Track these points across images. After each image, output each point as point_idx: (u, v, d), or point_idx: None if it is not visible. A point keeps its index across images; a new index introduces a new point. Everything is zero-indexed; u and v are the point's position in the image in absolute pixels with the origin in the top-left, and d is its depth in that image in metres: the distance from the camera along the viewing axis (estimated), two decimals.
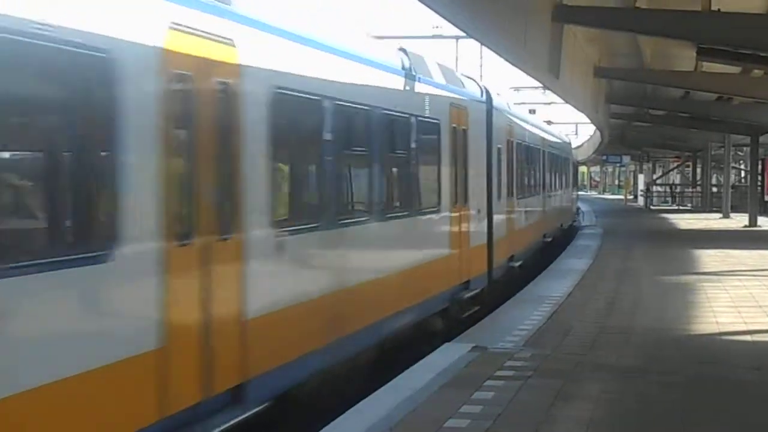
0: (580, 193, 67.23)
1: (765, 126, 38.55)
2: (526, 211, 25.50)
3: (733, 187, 58.24)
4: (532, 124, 29.30)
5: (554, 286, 20.31)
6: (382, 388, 10.73)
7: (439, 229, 16.23)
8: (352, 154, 12.25)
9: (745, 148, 58.24)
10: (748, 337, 14.47)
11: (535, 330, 14.83)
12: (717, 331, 14.96)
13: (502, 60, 18.46)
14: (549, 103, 61.83)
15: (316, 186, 11.12)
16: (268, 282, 9.42)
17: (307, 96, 10.57)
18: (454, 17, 13.95)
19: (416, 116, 14.73)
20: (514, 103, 27.00)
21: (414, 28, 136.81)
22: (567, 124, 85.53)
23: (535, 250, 27.67)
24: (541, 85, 33.33)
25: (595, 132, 61.24)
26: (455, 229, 17.00)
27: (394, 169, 14.17)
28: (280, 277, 9.82)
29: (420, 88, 15.14)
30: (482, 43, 21.12)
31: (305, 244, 10.48)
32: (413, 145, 14.66)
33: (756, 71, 27.25)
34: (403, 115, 14.20)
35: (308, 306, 10.38)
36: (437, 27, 42.21)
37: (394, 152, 13.99)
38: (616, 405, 10.26)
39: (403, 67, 14.49)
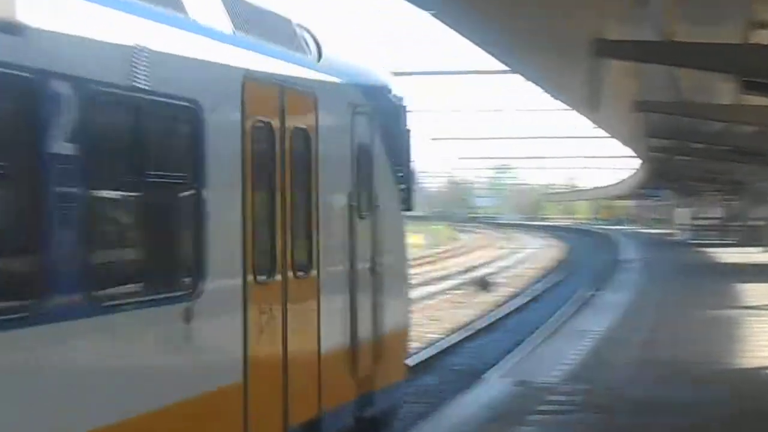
0: (620, 227, 66.22)
1: None
2: None
3: None
4: None
5: (596, 320, 20.22)
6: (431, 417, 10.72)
7: None
8: None
9: None
10: None
11: (577, 364, 14.77)
12: (762, 365, 14.83)
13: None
14: (591, 137, 61.94)
15: None
16: None
17: None
18: (501, 55, 14.14)
19: None
20: None
21: (442, 64, 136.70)
22: (614, 157, 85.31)
23: None
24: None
25: (638, 167, 61.14)
26: None
27: None
28: None
29: None
30: (526, 78, 21.26)
31: None
32: None
33: None
34: None
35: None
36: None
37: None
38: None
39: None
